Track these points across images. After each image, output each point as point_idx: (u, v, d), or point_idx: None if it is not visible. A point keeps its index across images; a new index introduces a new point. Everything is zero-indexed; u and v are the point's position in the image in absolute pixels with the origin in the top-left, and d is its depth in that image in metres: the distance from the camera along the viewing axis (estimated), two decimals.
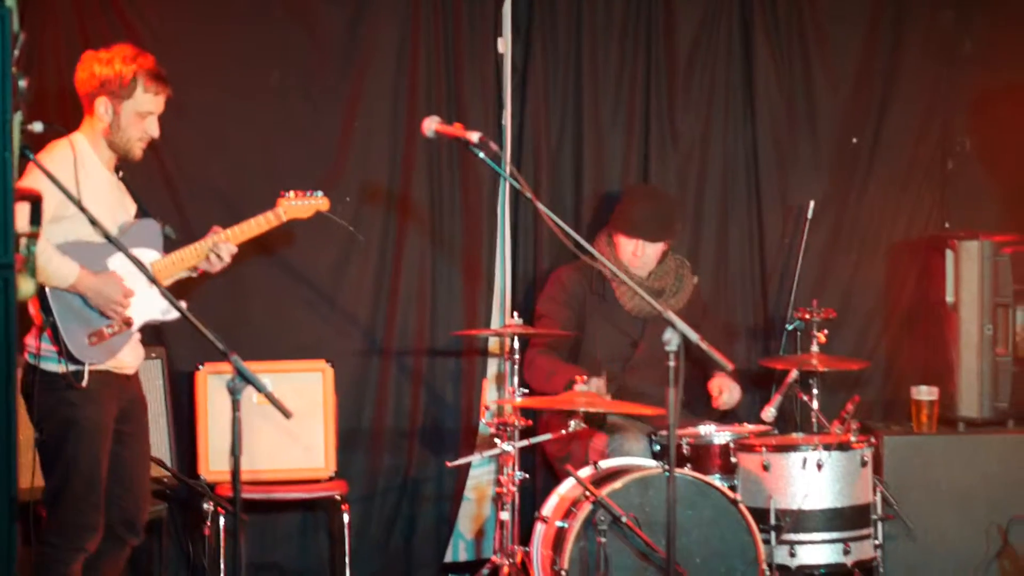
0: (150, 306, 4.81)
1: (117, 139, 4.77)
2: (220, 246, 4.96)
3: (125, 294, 4.69)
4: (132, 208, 4.93)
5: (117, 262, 4.71)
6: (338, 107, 6.43)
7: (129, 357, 4.85)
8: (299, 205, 5.18)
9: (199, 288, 5.78)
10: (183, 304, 4.33)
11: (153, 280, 4.19)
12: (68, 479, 4.67)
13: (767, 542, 5.44)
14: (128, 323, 4.74)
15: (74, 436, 4.66)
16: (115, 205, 4.83)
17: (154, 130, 4.82)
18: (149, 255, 4.84)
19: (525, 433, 5.58)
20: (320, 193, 5.24)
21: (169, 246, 4.94)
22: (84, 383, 4.62)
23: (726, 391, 6.07)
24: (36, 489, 4.77)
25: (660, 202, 6.26)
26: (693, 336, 4.33)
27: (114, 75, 4.71)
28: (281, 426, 5.80)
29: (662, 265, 6.22)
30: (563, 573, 5.16)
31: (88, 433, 4.67)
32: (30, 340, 4.67)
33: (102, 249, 4.66)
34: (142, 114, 4.76)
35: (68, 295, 4.61)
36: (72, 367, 4.62)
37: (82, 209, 4.32)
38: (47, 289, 4.57)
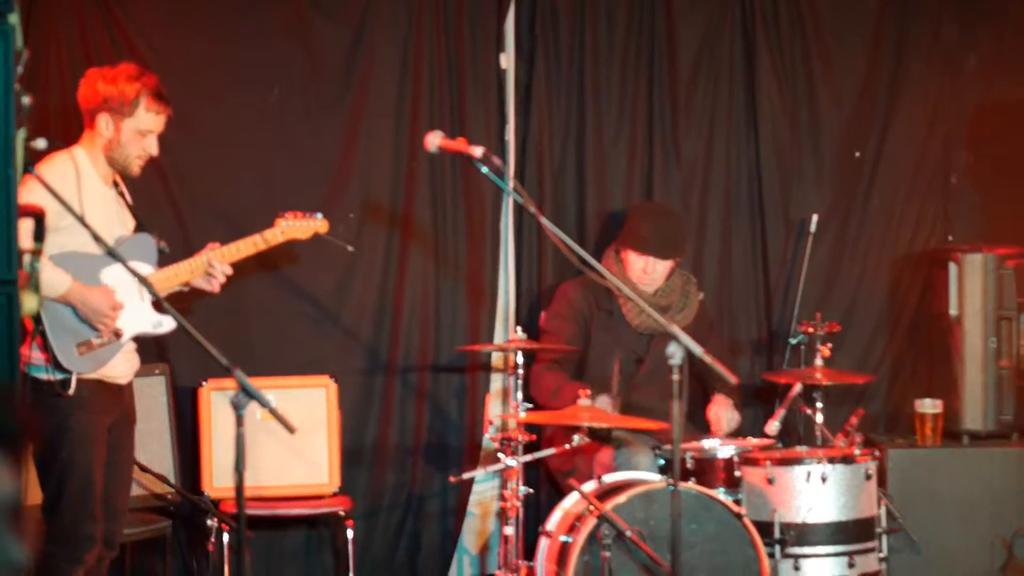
0: (141, 319, 4.83)
1: (116, 155, 4.80)
2: (214, 264, 4.96)
3: (114, 307, 4.69)
4: (131, 223, 4.94)
5: (110, 275, 4.73)
6: (340, 124, 6.44)
7: (122, 367, 4.85)
8: (297, 226, 5.17)
9: (203, 304, 5.79)
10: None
11: (156, 296, 4.19)
12: (63, 487, 4.66)
13: (771, 556, 5.43)
14: (117, 335, 4.75)
15: (67, 443, 4.64)
16: (112, 219, 4.83)
17: (153, 148, 4.84)
18: (143, 269, 4.83)
19: (529, 448, 5.57)
20: (320, 215, 5.24)
21: (163, 261, 4.95)
22: (71, 391, 4.61)
23: (724, 419, 6.04)
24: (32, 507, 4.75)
25: (670, 219, 6.25)
26: (697, 349, 4.32)
27: (117, 93, 4.74)
28: (285, 442, 5.82)
29: (669, 282, 6.20)
30: None
31: (80, 440, 4.66)
32: (23, 349, 4.65)
33: (96, 261, 4.67)
34: (142, 132, 4.79)
35: (59, 306, 4.61)
36: (59, 375, 4.62)
37: (85, 225, 4.32)
38: None
